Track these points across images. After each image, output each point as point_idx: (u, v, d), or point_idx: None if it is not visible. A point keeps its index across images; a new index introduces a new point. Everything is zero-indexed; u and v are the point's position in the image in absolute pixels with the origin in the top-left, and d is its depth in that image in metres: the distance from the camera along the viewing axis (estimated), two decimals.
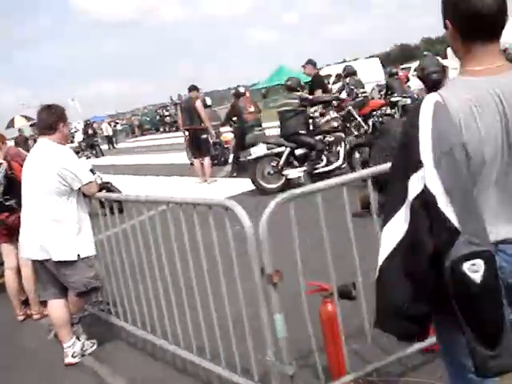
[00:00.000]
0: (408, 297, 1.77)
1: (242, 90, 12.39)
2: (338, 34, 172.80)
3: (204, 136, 11.77)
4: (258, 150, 9.40)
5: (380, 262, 1.82)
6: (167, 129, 41.01)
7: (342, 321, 2.97)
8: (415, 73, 20.42)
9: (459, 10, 1.81)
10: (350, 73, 14.35)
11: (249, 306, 3.03)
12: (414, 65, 30.99)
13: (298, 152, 9.30)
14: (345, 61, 51.34)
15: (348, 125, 9.66)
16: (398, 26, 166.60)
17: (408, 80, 20.13)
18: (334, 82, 31.73)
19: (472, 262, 1.65)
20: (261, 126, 12.04)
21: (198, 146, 11.74)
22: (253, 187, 10.27)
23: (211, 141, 12.44)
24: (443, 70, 17.48)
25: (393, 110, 15.07)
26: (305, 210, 3.20)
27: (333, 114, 9.75)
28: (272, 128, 14.23)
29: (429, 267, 1.72)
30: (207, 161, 11.84)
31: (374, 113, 9.23)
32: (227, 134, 14.47)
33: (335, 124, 9.45)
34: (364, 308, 3.00)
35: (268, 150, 9.36)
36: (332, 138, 9.39)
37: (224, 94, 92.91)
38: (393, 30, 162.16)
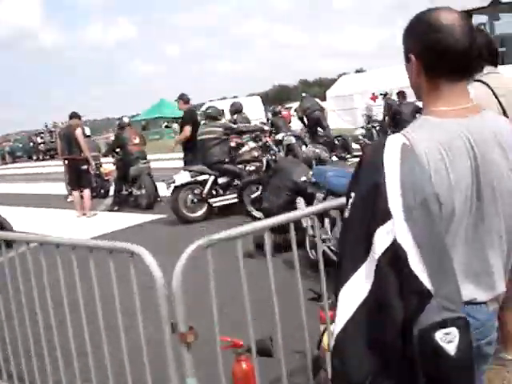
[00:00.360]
0: (372, 370, 1.50)
1: (126, 120, 11.94)
2: (218, 70, 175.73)
3: (84, 167, 11.12)
4: (182, 178, 9.22)
5: (337, 330, 1.55)
6: (41, 157, 39.18)
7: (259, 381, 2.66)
8: (294, 113, 20.97)
9: (428, 42, 1.62)
10: (237, 110, 14.38)
11: (155, 368, 2.64)
12: (295, 105, 32.08)
13: (221, 180, 9.33)
14: (224, 98, 52.12)
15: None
16: (277, 67, 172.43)
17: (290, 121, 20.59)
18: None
19: (446, 330, 1.42)
20: (146, 158, 11.58)
21: (77, 176, 11.08)
22: (137, 222, 9.83)
23: (92, 172, 11.80)
24: (322, 109, 18.17)
25: (276, 148, 15.33)
26: (223, 254, 2.89)
27: (252, 144, 9.94)
28: (157, 161, 13.90)
29: (398, 335, 1.47)
30: (87, 193, 11.17)
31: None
32: (108, 166, 13.86)
33: (256, 154, 9.61)
34: (283, 365, 2.72)
35: (191, 177, 9.20)
36: (252, 168, 9.50)
37: (102, 123, 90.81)
38: (272, 71, 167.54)
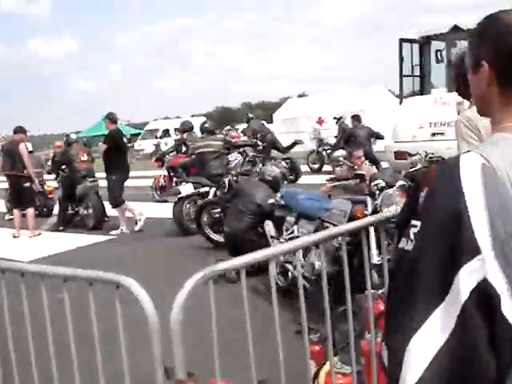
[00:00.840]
0: None
1: (73, 137, 11.46)
2: (160, 90, 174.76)
3: (27, 184, 10.47)
4: (186, 189, 9.17)
5: (412, 381, 1.27)
6: None
7: None
8: (242, 134, 20.80)
9: (505, 47, 1.38)
10: (187, 128, 14.07)
11: None
12: (241, 127, 32.02)
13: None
14: (167, 117, 51.67)
15: None
16: (220, 89, 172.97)
17: None
18: (160, 137, 31.58)
19: None
20: (94, 176, 11.07)
21: (19, 194, 10.45)
22: (84, 242, 9.33)
23: (35, 189, 11.17)
24: (271, 132, 18.05)
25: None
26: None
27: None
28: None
29: None
30: (31, 212, 10.54)
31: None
32: (51, 183, 13.23)
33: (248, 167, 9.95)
34: None
35: (195, 189, 9.22)
36: None
37: (40, 140, 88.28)
38: (215, 92, 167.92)
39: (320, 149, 17.33)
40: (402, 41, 9.65)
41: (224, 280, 5.84)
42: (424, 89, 10.03)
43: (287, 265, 5.29)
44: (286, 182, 10.66)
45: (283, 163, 13.37)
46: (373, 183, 4.36)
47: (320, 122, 29.59)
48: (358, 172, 4.68)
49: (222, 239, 8.00)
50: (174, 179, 13.47)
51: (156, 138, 28.79)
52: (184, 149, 13.44)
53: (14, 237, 10.46)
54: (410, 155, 8.07)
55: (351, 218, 4.46)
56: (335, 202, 4.91)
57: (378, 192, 4.32)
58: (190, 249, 8.22)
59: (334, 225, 4.65)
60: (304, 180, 14.65)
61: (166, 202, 13.51)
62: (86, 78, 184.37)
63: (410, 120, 9.01)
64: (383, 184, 4.33)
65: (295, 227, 5.35)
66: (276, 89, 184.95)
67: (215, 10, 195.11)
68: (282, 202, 5.76)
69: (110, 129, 10.19)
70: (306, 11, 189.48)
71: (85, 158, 11.09)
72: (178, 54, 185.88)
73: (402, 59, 9.70)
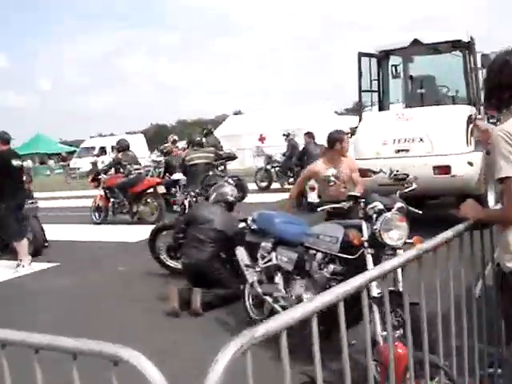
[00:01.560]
0: None
1: None
2: (94, 107, 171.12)
3: None
4: None
5: None
6: None
7: None
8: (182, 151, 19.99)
9: None
10: (123, 147, 13.38)
11: None
12: (181, 144, 31.30)
13: None
14: (101, 135, 50.36)
15: None
16: (154, 106, 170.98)
17: None
18: (97, 155, 30.47)
19: None
20: (33, 197, 10.18)
21: None
22: (24, 271, 8.47)
23: None
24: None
25: (174, 189, 14.40)
26: None
27: None
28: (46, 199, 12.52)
29: None
30: None
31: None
32: None
33: None
34: None
35: None
36: None
37: None
38: (149, 110, 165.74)
39: (268, 166, 16.89)
40: (360, 55, 9.34)
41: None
42: (383, 104, 9.77)
43: (266, 297, 4.75)
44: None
45: (230, 181, 12.81)
46: (369, 206, 3.89)
47: (262, 139, 29.34)
48: (352, 193, 4.18)
49: (178, 266, 7.37)
50: (112, 200, 12.79)
51: (95, 156, 27.69)
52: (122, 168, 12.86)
53: None
54: (374, 172, 7.69)
55: (345, 245, 3.98)
56: (322, 226, 4.41)
57: (375, 215, 3.85)
58: (144, 276, 7.55)
59: (324, 252, 4.16)
60: (251, 199, 14.16)
61: (102, 224, 12.88)
62: (15, 95, 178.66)
63: (372, 136, 8.67)
64: (381, 206, 3.86)
65: (273, 254, 4.81)
66: (211, 106, 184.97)
67: (148, 25, 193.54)
68: (255, 227, 5.22)
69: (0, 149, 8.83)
70: (241, 29, 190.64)
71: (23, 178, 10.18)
72: (110, 70, 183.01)
73: (360, 74, 9.38)
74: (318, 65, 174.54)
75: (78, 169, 33.23)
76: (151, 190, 12.46)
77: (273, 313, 4.88)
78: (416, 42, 8.89)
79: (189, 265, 6.10)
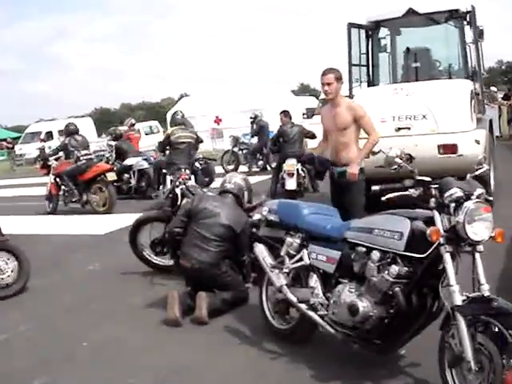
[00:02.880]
0: None
1: None
2: (32, 92, 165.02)
3: None
4: None
5: None
6: None
7: None
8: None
9: None
10: (70, 132, 12.29)
11: None
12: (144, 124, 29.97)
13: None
14: (41, 120, 48.11)
15: None
16: (96, 90, 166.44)
17: None
18: (44, 140, 28.85)
19: None
20: None
21: None
22: None
23: None
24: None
25: (126, 175, 13.39)
26: None
27: None
28: None
29: None
30: None
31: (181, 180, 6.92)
32: None
33: None
34: None
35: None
36: None
37: None
38: (91, 94, 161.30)
39: (235, 148, 16.00)
40: (350, 26, 8.57)
41: None
42: (374, 80, 9.05)
43: (300, 305, 3.93)
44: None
45: (197, 164, 11.84)
46: (447, 193, 3.12)
47: (217, 120, 28.39)
48: (421, 178, 3.39)
49: (165, 262, 6.48)
50: (62, 187, 11.77)
51: (42, 141, 26.12)
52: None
53: None
54: (373, 153, 6.98)
55: (413, 241, 3.21)
56: (377, 217, 3.62)
57: (452, 205, 3.09)
58: (123, 276, 6.62)
59: (384, 251, 3.38)
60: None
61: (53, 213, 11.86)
62: None
63: (368, 114, 7.91)
64: (460, 194, 3.10)
65: (304, 253, 4.00)
66: (154, 90, 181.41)
67: (87, 10, 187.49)
68: (273, 219, 4.38)
69: None
70: (181, 11, 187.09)
71: None
72: (49, 55, 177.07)
73: (350, 46, 8.63)
74: (258, 47, 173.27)
75: (23, 155, 31.44)
76: (102, 177, 11.53)
77: (303, 322, 4.11)
78: (411, 11, 8.19)
79: (191, 269, 5.12)
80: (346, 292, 3.59)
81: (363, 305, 3.41)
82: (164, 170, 10.69)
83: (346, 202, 5.34)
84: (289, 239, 4.15)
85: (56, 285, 6.64)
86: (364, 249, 3.51)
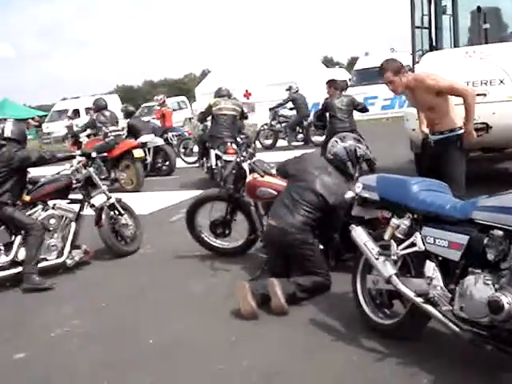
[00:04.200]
0: None
1: None
2: (56, 71, 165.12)
3: None
4: None
5: None
6: None
7: None
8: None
9: None
10: (99, 107, 12.10)
11: None
12: (172, 100, 29.44)
13: None
14: (65, 98, 47.69)
15: None
16: (119, 68, 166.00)
17: None
18: (71, 117, 28.41)
19: None
20: None
21: None
22: None
23: None
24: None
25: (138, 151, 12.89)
26: None
27: None
28: None
29: None
30: None
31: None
32: None
33: None
34: None
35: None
36: None
37: None
38: (114, 72, 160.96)
39: (274, 122, 15.30)
40: None
41: None
42: (438, 43, 8.31)
43: (416, 298, 3.33)
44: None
45: (238, 139, 11.22)
46: None
47: (247, 94, 27.63)
48: None
49: (226, 245, 5.94)
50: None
51: (70, 118, 25.66)
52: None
53: None
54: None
55: None
56: (506, 195, 3.01)
57: None
58: (181, 260, 6.10)
59: None
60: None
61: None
62: None
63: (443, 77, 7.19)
64: None
65: (417, 236, 3.39)
66: (177, 66, 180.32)
67: None
68: (371, 197, 3.78)
69: None
70: None
71: None
72: (69, 33, 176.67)
73: (413, 6, 7.88)
74: (278, 18, 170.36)
75: (51, 133, 31.04)
76: (129, 154, 11.06)
77: (412, 317, 3.52)
78: None
79: (274, 228, 4.57)
80: (481, 284, 2.97)
81: (508, 300, 2.81)
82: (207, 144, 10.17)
83: (446, 174, 4.74)
84: (395, 221, 3.54)
85: (108, 270, 6.13)
86: (501, 232, 2.90)
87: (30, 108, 45.60)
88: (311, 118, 14.10)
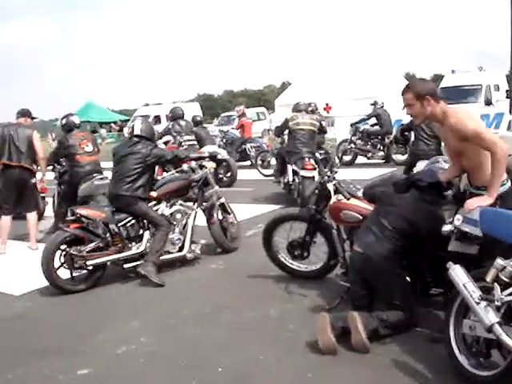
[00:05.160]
0: None
1: (76, 120, 8.77)
2: (139, 77, 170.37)
3: (33, 180, 8.14)
4: None
5: None
6: None
7: None
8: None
9: None
10: (175, 116, 12.17)
11: None
12: (251, 111, 29.52)
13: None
14: (147, 104, 48.82)
15: None
16: (200, 76, 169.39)
17: None
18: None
19: None
20: (101, 172, 8.53)
21: (21, 193, 7.99)
22: None
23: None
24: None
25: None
26: None
27: None
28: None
29: None
30: (35, 217, 8.25)
31: None
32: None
33: None
34: None
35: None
36: None
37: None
38: (195, 80, 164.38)
39: (354, 137, 14.86)
40: None
41: None
42: None
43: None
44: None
45: (317, 155, 10.85)
46: None
47: (327, 108, 27.25)
48: None
49: (303, 268, 5.65)
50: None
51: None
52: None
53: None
54: None
55: None
56: None
57: None
58: (253, 279, 5.85)
59: None
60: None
61: None
62: (65, 61, 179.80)
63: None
64: None
65: None
66: (257, 77, 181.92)
67: None
68: (472, 232, 3.39)
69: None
70: None
71: (90, 148, 8.49)
72: (152, 41, 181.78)
73: None
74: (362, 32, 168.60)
75: None
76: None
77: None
78: None
79: (359, 255, 4.24)
80: None
81: None
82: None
83: None
84: (500, 262, 3.14)
85: (177, 287, 5.95)
86: None
87: (112, 112, 46.99)
88: (394, 133, 13.60)
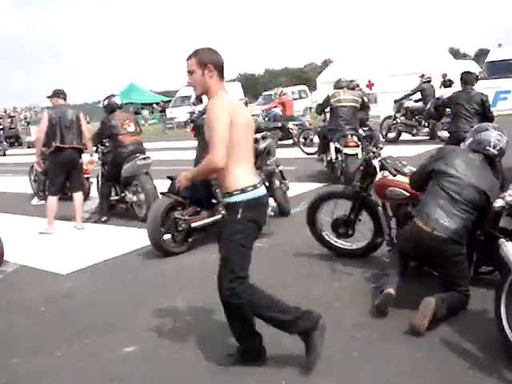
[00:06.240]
0: None
1: (117, 100, 8.80)
2: (181, 58, 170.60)
3: (80, 161, 8.41)
4: None
5: None
6: None
7: None
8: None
9: None
10: None
11: None
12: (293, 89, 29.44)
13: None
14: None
15: None
16: (241, 56, 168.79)
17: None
18: (193, 104, 28.98)
19: None
20: (144, 152, 8.57)
21: (70, 174, 8.17)
22: (143, 243, 6.87)
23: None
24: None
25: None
26: None
27: None
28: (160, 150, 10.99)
29: None
30: (81, 197, 8.43)
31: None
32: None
33: None
34: None
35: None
36: None
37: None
38: (236, 59, 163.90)
39: (398, 114, 14.54)
40: None
41: None
42: None
43: None
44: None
45: (361, 131, 10.60)
46: None
47: (370, 85, 26.80)
48: None
49: (348, 246, 5.56)
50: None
51: (193, 104, 26.19)
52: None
53: (43, 233, 8.12)
54: None
55: None
56: None
57: None
58: (299, 257, 5.79)
59: None
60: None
61: None
62: (106, 48, 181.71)
63: None
64: None
65: None
66: (297, 55, 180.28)
67: None
68: None
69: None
70: None
71: (131, 128, 8.53)
72: (194, 22, 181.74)
73: None
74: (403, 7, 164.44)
75: (174, 118, 31.98)
76: None
77: None
78: None
79: (423, 232, 3.98)
80: None
81: None
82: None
83: None
84: None
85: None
86: None
87: (155, 93, 47.31)
88: (428, 105, 13.15)
